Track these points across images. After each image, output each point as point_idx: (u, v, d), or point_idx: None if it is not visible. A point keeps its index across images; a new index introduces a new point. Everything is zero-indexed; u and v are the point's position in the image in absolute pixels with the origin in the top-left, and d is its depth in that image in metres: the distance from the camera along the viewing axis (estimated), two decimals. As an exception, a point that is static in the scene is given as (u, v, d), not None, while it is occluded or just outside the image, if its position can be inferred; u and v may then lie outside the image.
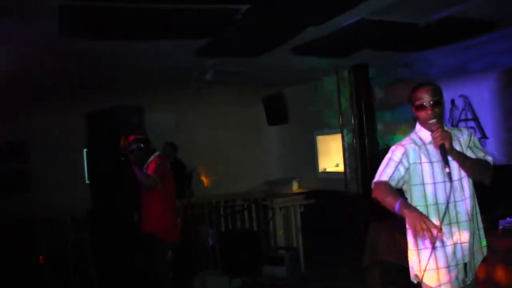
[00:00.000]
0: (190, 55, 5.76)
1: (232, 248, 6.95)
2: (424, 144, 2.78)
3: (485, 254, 2.81)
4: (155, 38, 5.06)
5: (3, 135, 8.50)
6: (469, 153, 2.76)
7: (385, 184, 2.75)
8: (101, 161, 6.54)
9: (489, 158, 2.80)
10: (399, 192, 2.75)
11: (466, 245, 2.68)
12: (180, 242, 5.08)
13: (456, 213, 2.68)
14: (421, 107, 2.73)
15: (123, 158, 5.04)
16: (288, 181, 9.97)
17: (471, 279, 2.74)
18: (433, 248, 2.64)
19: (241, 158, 10.58)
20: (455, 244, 2.67)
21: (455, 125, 6.23)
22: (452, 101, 6.28)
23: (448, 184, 2.65)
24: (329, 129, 8.84)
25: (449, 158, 2.66)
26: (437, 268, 2.68)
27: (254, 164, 10.80)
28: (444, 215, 2.63)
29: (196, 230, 6.97)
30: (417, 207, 2.67)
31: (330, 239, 8.08)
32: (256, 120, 10.78)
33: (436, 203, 2.70)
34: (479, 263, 2.80)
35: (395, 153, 2.80)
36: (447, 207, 2.63)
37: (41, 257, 6.54)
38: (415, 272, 2.79)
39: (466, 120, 6.11)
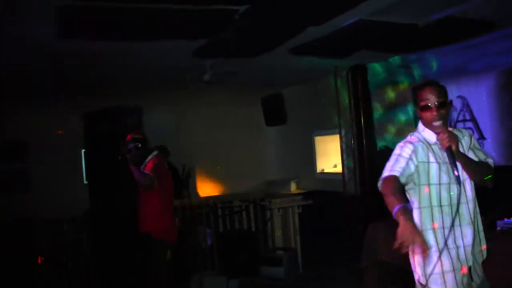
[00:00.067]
0: (189, 56, 5.76)
1: (230, 248, 6.94)
2: (430, 144, 2.72)
3: (484, 257, 2.78)
4: (154, 39, 5.06)
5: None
6: (471, 155, 2.73)
7: (394, 180, 2.62)
8: (99, 161, 6.54)
9: (490, 161, 2.78)
10: (404, 196, 2.66)
11: (469, 248, 2.65)
12: (178, 242, 5.08)
13: (460, 215, 2.64)
14: (426, 108, 2.68)
15: (119, 158, 5.01)
16: (286, 182, 9.97)
17: (478, 282, 2.69)
18: (440, 253, 2.61)
19: (239, 158, 10.59)
20: (458, 247, 2.64)
21: (453, 126, 6.23)
22: (450, 102, 6.29)
23: (453, 186, 2.62)
24: (327, 130, 8.84)
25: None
26: (443, 272, 2.63)
27: (252, 164, 10.81)
28: (455, 217, 2.60)
29: (194, 231, 6.97)
30: (422, 208, 2.66)
31: (328, 239, 8.09)
32: (254, 121, 10.80)
33: (440, 205, 2.65)
34: (480, 266, 2.77)
35: (404, 149, 2.70)
36: (457, 210, 2.60)
37: (39, 257, 6.52)
38: (420, 276, 2.72)
39: (464, 121, 6.12)
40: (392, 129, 7.46)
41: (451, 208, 2.62)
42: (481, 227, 2.76)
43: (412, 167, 2.66)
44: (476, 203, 2.74)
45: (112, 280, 6.21)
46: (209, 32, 4.89)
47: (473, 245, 2.67)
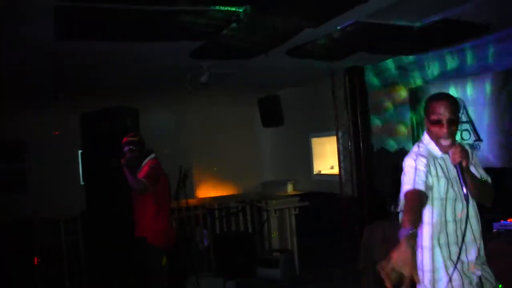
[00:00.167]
0: (186, 57, 5.76)
1: (227, 250, 6.93)
2: (436, 158, 2.64)
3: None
4: (150, 40, 5.06)
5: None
6: (473, 171, 2.64)
7: (419, 196, 2.46)
8: (94, 162, 6.53)
9: (489, 180, 2.71)
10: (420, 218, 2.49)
11: (472, 263, 2.59)
12: (175, 244, 5.03)
13: (464, 231, 2.54)
14: (437, 122, 2.57)
15: (113, 162, 4.94)
16: (283, 183, 9.99)
17: None
18: (447, 269, 2.54)
19: (236, 159, 10.61)
20: (463, 263, 2.57)
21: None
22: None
23: (458, 201, 2.56)
24: (324, 131, 8.86)
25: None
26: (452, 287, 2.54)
27: (249, 166, 10.83)
28: (460, 233, 2.53)
29: (191, 232, 6.96)
30: (427, 224, 2.58)
31: (324, 241, 8.10)
32: (251, 122, 10.80)
33: (446, 221, 2.57)
34: (489, 273, 2.67)
35: (419, 162, 2.56)
36: (462, 226, 2.52)
37: (36, 257, 6.50)
38: None
39: (461, 122, 6.13)
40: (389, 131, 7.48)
41: (456, 224, 2.56)
42: (482, 244, 2.67)
43: (430, 180, 2.55)
44: (479, 218, 2.68)
45: (108, 281, 6.20)
46: (205, 34, 4.89)
47: (477, 258, 2.61)
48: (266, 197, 8.00)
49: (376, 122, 7.62)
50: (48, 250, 6.59)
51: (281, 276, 6.70)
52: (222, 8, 4.15)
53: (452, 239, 2.57)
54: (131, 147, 4.73)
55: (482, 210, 2.72)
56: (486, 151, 5.83)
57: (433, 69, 6.60)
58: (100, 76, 6.72)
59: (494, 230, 4.18)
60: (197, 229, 7.10)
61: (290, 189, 9.93)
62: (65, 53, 5.27)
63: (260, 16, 4.47)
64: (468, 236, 2.59)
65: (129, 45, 5.21)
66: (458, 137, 2.69)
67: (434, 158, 2.63)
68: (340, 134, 7.89)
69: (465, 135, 6.03)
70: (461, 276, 2.55)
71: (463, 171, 2.47)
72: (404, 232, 2.27)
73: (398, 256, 2.15)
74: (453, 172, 2.58)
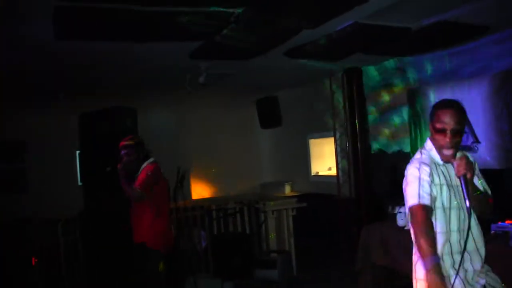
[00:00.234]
0: (184, 58, 5.77)
1: (225, 251, 6.93)
2: (438, 165, 2.61)
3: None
4: (150, 40, 5.06)
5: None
6: (476, 183, 2.61)
7: (427, 213, 2.44)
8: (93, 163, 6.52)
9: (490, 192, 2.70)
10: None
11: (477, 272, 2.58)
12: (173, 245, 5.00)
13: (467, 241, 2.51)
14: (441, 131, 2.52)
15: (108, 169, 4.86)
16: (281, 184, 10.00)
17: None
18: (451, 279, 2.48)
19: (234, 160, 10.61)
20: (467, 271, 2.54)
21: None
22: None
23: (461, 210, 2.54)
24: (322, 133, 8.87)
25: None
26: None
27: (247, 166, 10.83)
28: (466, 243, 2.47)
29: (189, 233, 6.95)
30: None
31: (322, 242, 8.10)
32: (249, 123, 10.81)
33: (450, 231, 2.54)
34: (495, 279, 2.67)
35: (422, 172, 2.53)
36: (467, 236, 2.46)
37: (33, 258, 6.49)
38: None
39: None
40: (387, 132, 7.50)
41: (460, 234, 2.53)
42: (485, 251, 2.66)
43: (434, 190, 2.52)
44: (480, 227, 2.65)
45: (106, 281, 6.19)
46: (204, 34, 4.89)
47: (482, 266, 2.60)
48: (264, 198, 7.99)
49: (374, 123, 7.63)
50: (48, 250, 6.57)
51: (279, 277, 6.70)
52: (221, 8, 4.15)
53: (455, 248, 2.53)
54: (126, 151, 4.67)
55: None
56: (484, 153, 5.84)
57: (432, 71, 6.61)
58: (100, 76, 6.72)
59: (492, 232, 4.18)
60: (194, 230, 7.09)
61: (288, 190, 9.94)
62: (65, 53, 5.27)
63: (258, 17, 4.47)
64: (471, 245, 2.56)
65: (129, 46, 5.21)
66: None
67: (437, 164, 2.60)
68: (338, 135, 7.90)
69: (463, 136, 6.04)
70: (464, 285, 2.52)
71: (467, 183, 2.44)
72: (429, 263, 2.28)
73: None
74: (455, 180, 2.55)
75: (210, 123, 10.52)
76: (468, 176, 2.44)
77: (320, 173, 9.43)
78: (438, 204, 2.53)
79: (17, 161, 8.96)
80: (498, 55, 5.71)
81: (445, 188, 2.55)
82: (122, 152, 4.68)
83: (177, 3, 3.96)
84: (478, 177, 2.67)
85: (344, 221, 7.63)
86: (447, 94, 6.09)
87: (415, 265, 2.67)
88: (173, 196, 5.50)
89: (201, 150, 10.22)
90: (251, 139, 11.11)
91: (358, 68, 7.36)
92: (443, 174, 2.58)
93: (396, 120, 7.25)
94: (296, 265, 7.19)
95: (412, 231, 2.52)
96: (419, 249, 2.39)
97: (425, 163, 2.57)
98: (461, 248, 2.51)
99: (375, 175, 7.34)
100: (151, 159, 4.78)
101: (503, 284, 2.67)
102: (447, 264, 2.54)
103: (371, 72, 7.54)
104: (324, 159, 9.37)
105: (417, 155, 2.67)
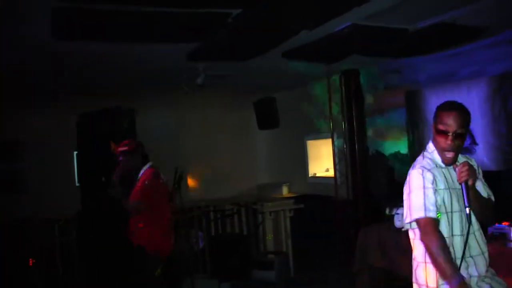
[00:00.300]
0: (182, 59, 5.76)
1: (222, 252, 6.93)
2: (441, 167, 2.57)
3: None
4: (148, 41, 5.06)
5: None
6: (479, 188, 2.59)
7: (436, 227, 2.41)
8: (90, 163, 6.51)
9: (492, 198, 2.67)
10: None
11: (482, 277, 2.53)
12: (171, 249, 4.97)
13: (470, 245, 2.51)
14: (443, 133, 2.48)
15: (103, 179, 4.79)
16: (278, 186, 9.99)
17: None
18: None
19: (231, 162, 10.60)
20: (471, 277, 2.50)
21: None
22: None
23: (463, 214, 2.48)
24: (319, 134, 8.87)
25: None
26: None
27: (244, 168, 10.82)
28: (465, 249, 2.44)
29: (186, 234, 6.94)
30: None
31: (319, 243, 8.10)
32: (246, 124, 10.80)
33: (452, 235, 2.50)
34: (500, 283, 2.61)
35: (426, 179, 2.49)
36: (466, 241, 2.44)
37: (30, 259, 6.47)
38: None
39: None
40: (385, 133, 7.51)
41: (463, 238, 2.48)
42: (488, 257, 2.62)
43: (438, 198, 2.48)
44: (482, 231, 2.63)
45: (102, 282, 6.18)
46: (201, 35, 4.89)
47: (486, 271, 2.56)
48: (261, 199, 7.99)
49: (371, 125, 7.63)
50: (47, 250, 6.56)
51: (276, 278, 6.70)
52: (219, 10, 4.16)
53: (459, 253, 2.48)
54: (122, 158, 4.59)
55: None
56: (482, 154, 5.85)
57: (429, 73, 6.62)
58: (99, 76, 6.72)
59: (489, 233, 4.19)
60: (192, 231, 7.08)
61: (285, 191, 9.93)
62: (65, 53, 5.27)
63: (257, 18, 4.48)
64: (476, 250, 2.54)
65: (128, 46, 5.21)
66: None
67: (439, 167, 2.57)
68: (335, 136, 7.90)
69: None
70: None
71: (468, 189, 2.42)
72: (455, 284, 2.26)
73: None
74: (457, 183, 2.51)
75: (209, 124, 10.51)
76: (470, 182, 2.41)
77: (317, 175, 9.43)
78: (441, 209, 2.49)
79: (16, 161, 8.94)
80: (495, 57, 5.73)
81: (447, 192, 2.51)
82: (119, 158, 4.60)
83: (176, 4, 3.96)
84: (481, 181, 2.65)
85: (342, 223, 7.63)
86: (445, 96, 6.10)
87: (415, 270, 2.64)
88: (170, 197, 5.48)
89: (198, 151, 10.20)
90: (249, 140, 11.11)
91: (355, 70, 7.36)
92: (445, 177, 2.55)
93: (394, 122, 7.25)
94: (294, 266, 7.19)
95: (422, 244, 2.48)
96: (438, 267, 2.35)
97: (428, 169, 2.53)
98: (463, 253, 2.47)
99: (372, 177, 7.35)
100: (149, 164, 4.70)
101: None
102: None
103: (369, 74, 7.55)
104: (321, 160, 9.37)
105: (419, 159, 2.64)
